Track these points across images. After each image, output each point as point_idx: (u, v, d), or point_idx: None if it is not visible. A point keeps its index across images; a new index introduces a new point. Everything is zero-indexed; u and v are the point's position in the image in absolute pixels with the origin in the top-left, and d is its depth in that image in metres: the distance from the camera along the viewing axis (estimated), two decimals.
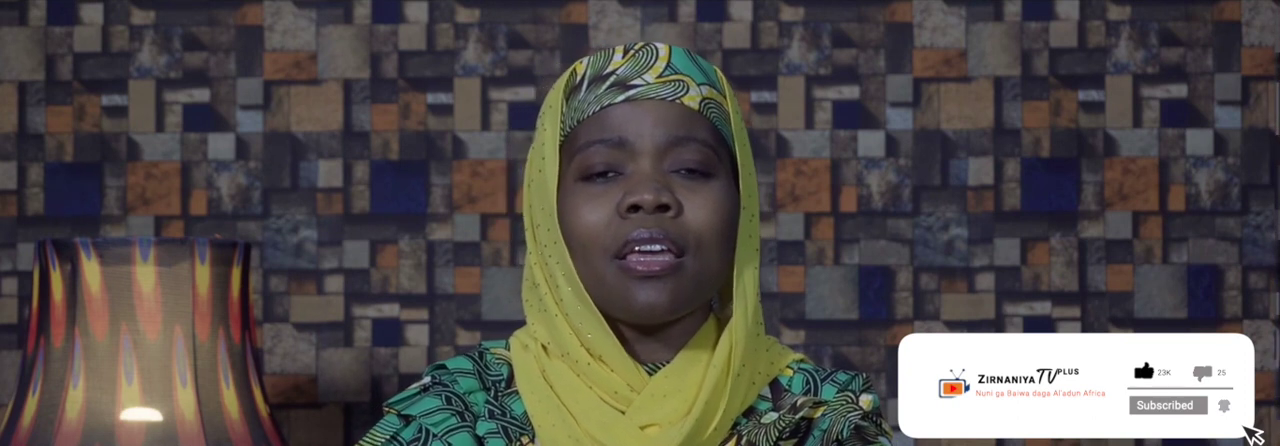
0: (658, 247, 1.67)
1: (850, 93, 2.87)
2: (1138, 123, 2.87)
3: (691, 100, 1.71)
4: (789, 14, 2.87)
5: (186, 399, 2.34)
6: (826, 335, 2.85)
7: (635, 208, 1.67)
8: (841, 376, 1.76)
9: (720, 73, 1.76)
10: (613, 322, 1.71)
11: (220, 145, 2.87)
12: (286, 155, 2.86)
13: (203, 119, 2.86)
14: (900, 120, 2.87)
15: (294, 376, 2.85)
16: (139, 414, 2.34)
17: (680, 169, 1.70)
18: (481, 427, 1.70)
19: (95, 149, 2.86)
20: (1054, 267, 2.85)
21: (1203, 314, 2.86)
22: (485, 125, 2.86)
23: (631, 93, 1.71)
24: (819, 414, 1.72)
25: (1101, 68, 2.87)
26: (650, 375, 1.71)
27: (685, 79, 1.72)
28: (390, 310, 2.85)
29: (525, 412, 1.72)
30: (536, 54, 2.87)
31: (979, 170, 2.86)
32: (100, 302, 2.35)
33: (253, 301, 2.57)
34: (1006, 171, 2.86)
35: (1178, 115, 2.87)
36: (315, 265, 2.85)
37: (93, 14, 2.87)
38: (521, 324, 1.77)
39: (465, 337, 2.84)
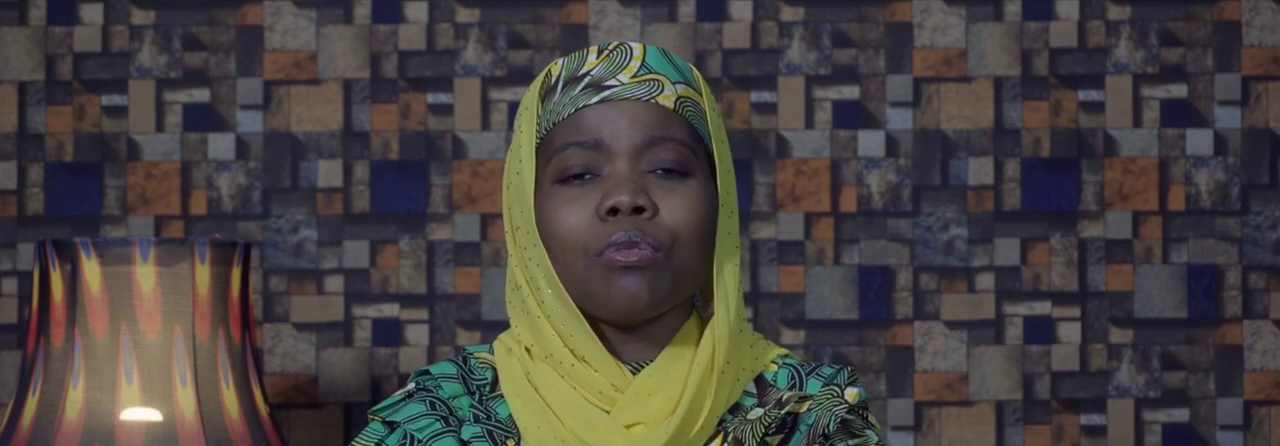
0: (636, 250, 1.67)
1: (850, 93, 2.87)
2: (1138, 123, 2.87)
3: (666, 99, 1.71)
4: (789, 14, 2.87)
5: (186, 399, 2.34)
6: (826, 335, 2.85)
7: (614, 210, 1.67)
8: (827, 370, 1.76)
9: (696, 71, 1.76)
10: (595, 323, 1.71)
11: (220, 145, 2.87)
12: (286, 155, 2.86)
13: (203, 119, 2.87)
14: (900, 120, 2.87)
15: (294, 376, 2.85)
16: (139, 414, 2.34)
17: (657, 169, 1.70)
18: (467, 432, 1.70)
19: (95, 149, 2.86)
20: (1054, 267, 2.85)
21: (1203, 314, 2.85)
22: (485, 125, 2.86)
23: (606, 93, 1.70)
24: (805, 408, 1.72)
25: (1101, 68, 2.87)
26: (634, 374, 1.71)
27: (660, 78, 1.72)
28: (390, 310, 2.85)
29: (510, 415, 1.72)
30: (536, 54, 2.87)
31: (979, 170, 2.86)
32: (100, 302, 2.35)
33: (253, 301, 2.57)
34: (1006, 171, 2.86)
35: (1178, 115, 2.87)
36: (315, 265, 2.85)
37: (93, 14, 2.87)
38: None
39: (465, 337, 2.84)
